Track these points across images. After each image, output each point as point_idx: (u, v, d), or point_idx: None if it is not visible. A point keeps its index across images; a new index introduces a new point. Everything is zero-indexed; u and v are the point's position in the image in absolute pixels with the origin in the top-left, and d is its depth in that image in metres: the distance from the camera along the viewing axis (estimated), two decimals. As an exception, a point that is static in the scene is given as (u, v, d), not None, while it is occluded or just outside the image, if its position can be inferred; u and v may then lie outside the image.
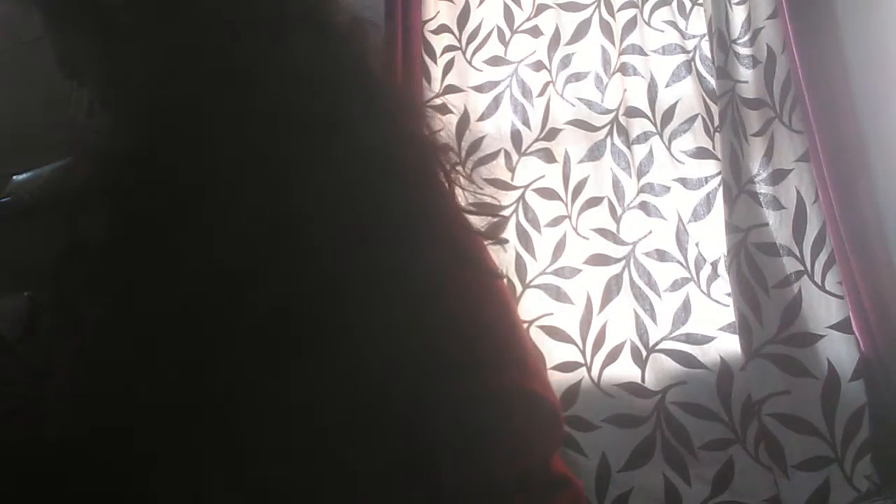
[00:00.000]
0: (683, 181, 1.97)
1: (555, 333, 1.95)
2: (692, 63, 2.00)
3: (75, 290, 0.70)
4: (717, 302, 1.90)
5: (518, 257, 1.98)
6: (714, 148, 1.96)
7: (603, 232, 1.98)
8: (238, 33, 0.71)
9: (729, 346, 1.87)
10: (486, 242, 0.81)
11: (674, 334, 1.90)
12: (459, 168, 0.81)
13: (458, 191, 0.81)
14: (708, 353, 1.88)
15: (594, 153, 2.02)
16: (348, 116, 0.71)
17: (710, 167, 1.96)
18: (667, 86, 2.01)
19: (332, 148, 0.69)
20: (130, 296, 0.66)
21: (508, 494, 0.69)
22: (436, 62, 2.09)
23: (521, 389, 0.75)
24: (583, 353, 1.93)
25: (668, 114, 1.99)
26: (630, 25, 2.02)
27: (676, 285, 1.92)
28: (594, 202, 2.00)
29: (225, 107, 0.66)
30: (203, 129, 0.66)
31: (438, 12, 2.12)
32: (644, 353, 1.90)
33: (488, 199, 0.83)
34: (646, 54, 2.02)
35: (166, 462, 0.64)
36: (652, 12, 2.03)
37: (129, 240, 0.66)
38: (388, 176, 0.71)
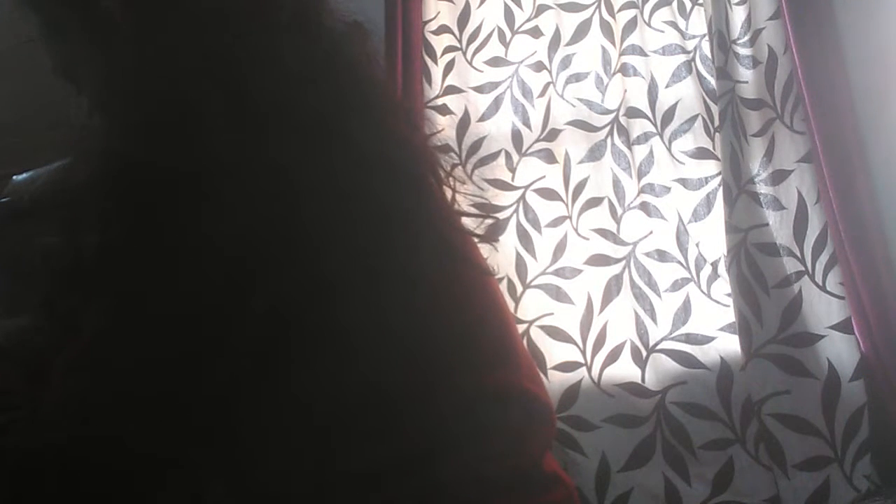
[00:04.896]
0: (684, 181, 1.97)
1: (555, 333, 1.95)
2: (692, 63, 2.00)
3: (71, 292, 0.70)
4: (717, 302, 1.91)
5: (518, 257, 1.99)
6: (714, 148, 1.96)
7: (603, 232, 1.98)
8: (232, 35, 0.71)
9: (729, 346, 1.87)
10: (477, 242, 0.82)
11: (674, 334, 1.90)
12: (454, 170, 0.82)
13: (452, 193, 0.82)
14: (708, 353, 1.88)
15: (594, 154, 2.02)
16: (342, 118, 0.72)
17: (711, 167, 1.96)
18: (667, 86, 2.01)
19: (326, 148, 0.69)
20: (129, 299, 0.66)
21: (501, 491, 0.70)
22: (436, 63, 2.10)
23: (515, 387, 0.76)
24: (583, 353, 1.93)
25: (669, 114, 1.99)
26: (630, 26, 2.02)
27: (676, 285, 1.92)
28: (594, 202, 2.00)
29: (221, 108, 0.67)
30: (200, 130, 0.66)
31: (439, 13, 2.12)
32: (644, 353, 1.90)
33: (482, 201, 0.83)
34: (646, 55, 2.02)
35: (165, 465, 0.64)
36: (652, 13, 2.03)
37: (127, 242, 0.66)
38: (381, 177, 0.71)
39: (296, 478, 0.66)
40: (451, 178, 0.81)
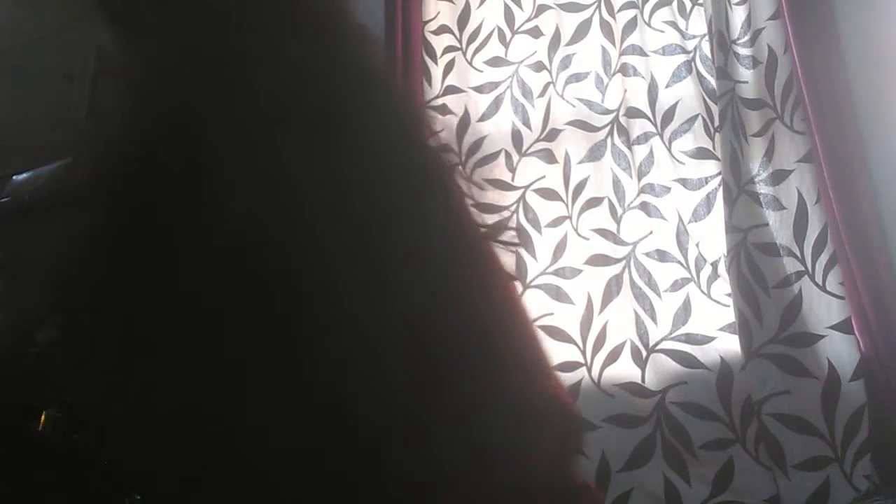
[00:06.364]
0: (684, 181, 1.97)
1: (555, 333, 1.95)
2: (692, 63, 2.00)
3: (73, 294, 0.70)
4: (717, 302, 1.90)
5: (518, 257, 1.99)
6: (714, 148, 1.96)
7: (603, 232, 1.98)
8: (234, 33, 0.71)
9: (729, 346, 1.87)
10: (496, 245, 0.81)
11: (674, 334, 1.90)
12: (465, 171, 0.81)
13: (465, 194, 0.81)
14: (708, 353, 1.88)
15: (594, 154, 2.02)
16: (349, 117, 0.71)
17: (711, 167, 1.96)
18: (667, 86, 2.01)
19: (332, 147, 0.69)
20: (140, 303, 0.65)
21: (523, 499, 0.68)
22: (436, 63, 2.10)
23: (551, 397, 0.74)
24: (583, 353, 1.93)
25: (669, 114, 2.00)
26: (630, 26, 2.03)
27: (676, 285, 1.92)
28: (594, 202, 2.00)
29: (225, 107, 0.67)
30: (203, 129, 0.66)
31: (439, 13, 2.12)
32: (644, 353, 1.90)
33: (493, 203, 0.82)
34: (646, 55, 2.02)
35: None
36: (652, 13, 2.04)
37: (128, 242, 0.66)
38: (393, 174, 0.71)
39: (301, 476, 0.66)
40: (466, 180, 0.80)
